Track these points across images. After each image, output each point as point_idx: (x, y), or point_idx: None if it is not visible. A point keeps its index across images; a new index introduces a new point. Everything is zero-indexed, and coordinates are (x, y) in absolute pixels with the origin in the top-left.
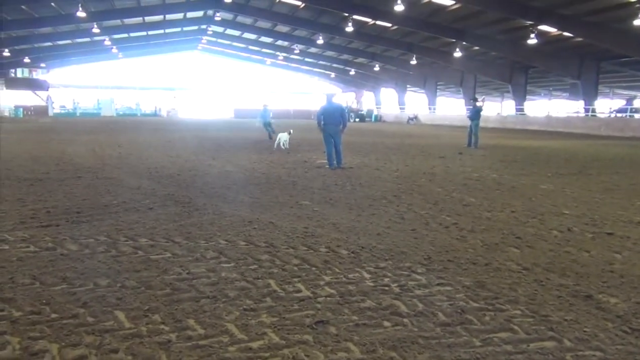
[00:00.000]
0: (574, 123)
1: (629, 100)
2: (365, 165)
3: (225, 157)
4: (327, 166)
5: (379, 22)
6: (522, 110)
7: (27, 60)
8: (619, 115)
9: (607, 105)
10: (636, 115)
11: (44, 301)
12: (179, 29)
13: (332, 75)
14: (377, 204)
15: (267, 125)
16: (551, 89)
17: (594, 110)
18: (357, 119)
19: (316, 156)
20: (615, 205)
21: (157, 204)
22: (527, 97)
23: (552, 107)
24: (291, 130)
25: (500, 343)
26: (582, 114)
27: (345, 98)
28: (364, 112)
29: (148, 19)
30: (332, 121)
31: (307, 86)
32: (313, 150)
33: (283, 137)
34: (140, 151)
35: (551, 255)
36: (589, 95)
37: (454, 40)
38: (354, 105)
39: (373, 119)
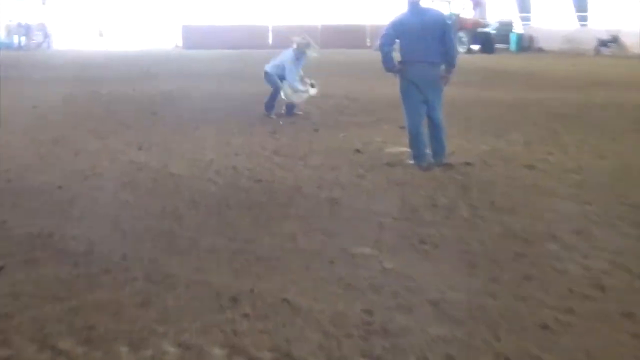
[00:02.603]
0: None
1: None
2: (500, 158)
3: (168, 139)
4: (412, 161)
5: None
6: None
7: None
8: None
9: None
10: None
11: None
12: None
13: None
14: (537, 255)
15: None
16: None
17: None
18: (473, 46)
19: (382, 137)
20: None
21: (15, 258)
22: None
23: None
24: (313, 83)
25: None
26: None
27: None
28: (489, 29)
29: None
30: (421, 53)
31: None
32: (374, 122)
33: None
34: None
35: None
36: None
37: None
38: (467, 15)
39: (514, 44)
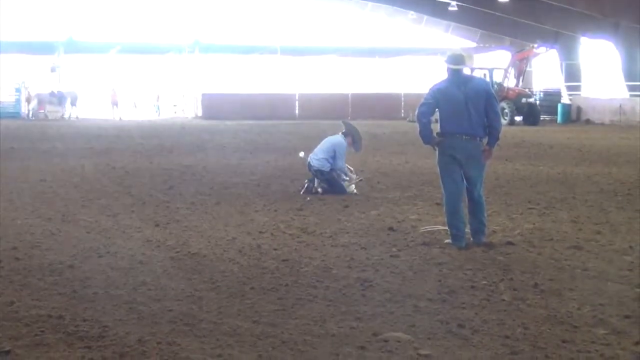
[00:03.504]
0: None
1: None
2: (544, 238)
3: (186, 216)
4: (449, 241)
5: None
6: None
7: None
8: None
9: None
10: None
11: None
12: None
13: (454, 4)
14: (584, 341)
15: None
16: None
17: None
18: (516, 117)
19: (417, 214)
20: None
21: (23, 341)
22: None
23: None
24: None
25: None
26: None
27: (481, 64)
28: (534, 99)
29: None
30: (462, 125)
31: (383, 36)
32: (408, 199)
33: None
34: None
35: None
36: None
37: None
38: (510, 83)
39: (560, 116)
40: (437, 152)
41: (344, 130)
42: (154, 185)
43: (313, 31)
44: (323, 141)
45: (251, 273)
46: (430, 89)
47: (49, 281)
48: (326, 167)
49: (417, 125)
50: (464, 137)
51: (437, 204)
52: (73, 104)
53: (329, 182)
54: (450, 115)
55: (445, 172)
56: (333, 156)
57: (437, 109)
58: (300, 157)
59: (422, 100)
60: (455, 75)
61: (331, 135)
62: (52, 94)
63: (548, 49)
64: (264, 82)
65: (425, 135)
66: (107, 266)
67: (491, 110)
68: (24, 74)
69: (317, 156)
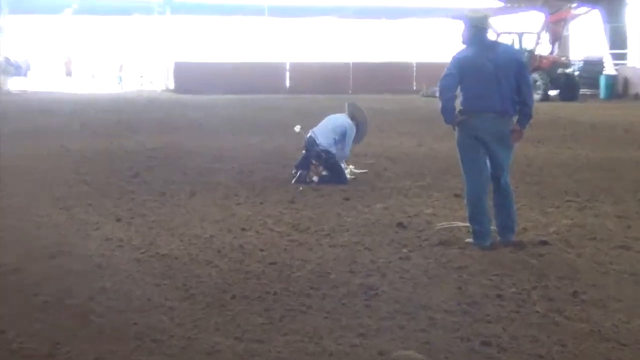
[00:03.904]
0: None
1: None
2: (585, 236)
3: (154, 209)
4: (471, 240)
5: None
6: None
7: None
8: None
9: None
10: None
11: None
12: None
13: None
14: None
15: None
16: None
17: None
18: (551, 91)
19: (433, 208)
20: None
21: None
22: None
23: None
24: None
25: None
26: None
27: (509, 27)
28: (573, 70)
29: None
30: (490, 100)
31: None
32: (422, 189)
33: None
34: None
35: None
36: None
37: None
38: (543, 51)
39: (604, 89)
40: (457, 132)
41: (347, 114)
42: (115, 172)
43: None
44: (327, 118)
45: (232, 279)
46: (454, 58)
47: None
48: (334, 149)
49: (439, 101)
50: (493, 114)
51: (457, 195)
52: (24, 74)
53: (332, 166)
54: (478, 89)
55: (468, 156)
56: (342, 139)
57: (461, 79)
58: (296, 133)
59: (445, 71)
60: (481, 40)
61: (333, 113)
62: (7, 60)
63: (589, 9)
64: (248, 49)
65: (449, 112)
66: (59, 269)
67: (524, 83)
68: None
69: (324, 134)
